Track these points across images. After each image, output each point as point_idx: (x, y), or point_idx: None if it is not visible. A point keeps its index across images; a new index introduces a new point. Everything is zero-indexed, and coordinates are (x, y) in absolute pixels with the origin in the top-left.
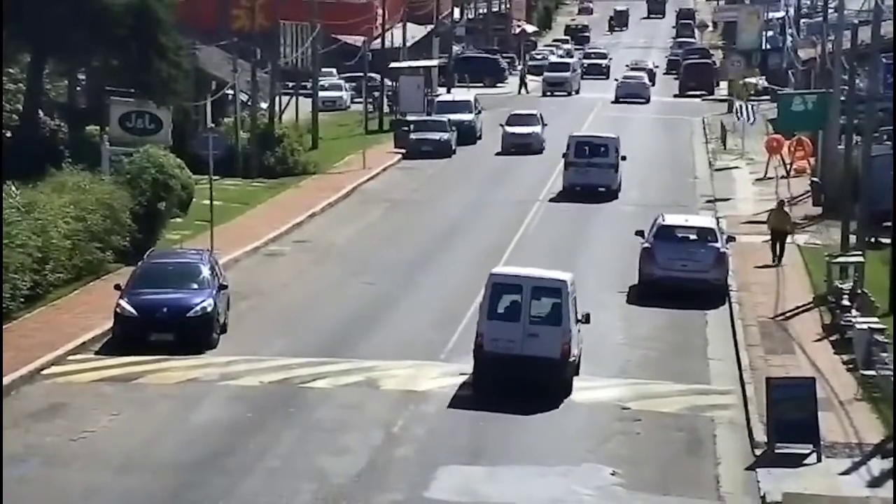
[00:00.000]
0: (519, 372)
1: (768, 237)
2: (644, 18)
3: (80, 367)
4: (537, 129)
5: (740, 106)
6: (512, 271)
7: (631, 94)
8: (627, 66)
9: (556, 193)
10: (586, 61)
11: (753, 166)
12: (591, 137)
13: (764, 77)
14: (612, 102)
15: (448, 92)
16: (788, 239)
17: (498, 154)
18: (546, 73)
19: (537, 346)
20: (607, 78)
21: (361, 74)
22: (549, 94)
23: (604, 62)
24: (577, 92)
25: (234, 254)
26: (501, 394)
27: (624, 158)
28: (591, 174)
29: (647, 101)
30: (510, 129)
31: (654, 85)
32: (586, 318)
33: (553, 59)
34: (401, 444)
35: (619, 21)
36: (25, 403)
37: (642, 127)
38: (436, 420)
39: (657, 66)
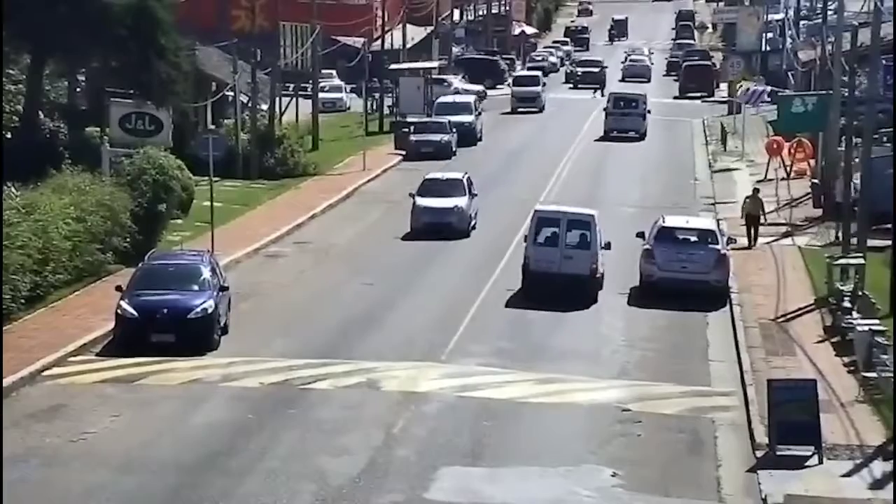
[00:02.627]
0: (557, 285)
1: (743, 223)
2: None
3: (80, 369)
4: (462, 201)
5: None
6: (552, 208)
7: (636, 74)
8: (626, 52)
9: (556, 195)
10: (580, 69)
11: (754, 168)
12: (624, 94)
13: (763, 79)
14: (620, 81)
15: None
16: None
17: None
18: (514, 88)
19: (571, 265)
20: (603, 87)
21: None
22: (519, 110)
23: (599, 70)
24: (543, 109)
25: (234, 255)
26: (543, 301)
27: (650, 111)
28: (625, 121)
29: (649, 80)
30: (422, 203)
31: (653, 66)
32: (607, 246)
33: (520, 71)
34: (401, 444)
35: (618, 30)
36: (26, 404)
37: None
38: (436, 421)
39: (652, 52)
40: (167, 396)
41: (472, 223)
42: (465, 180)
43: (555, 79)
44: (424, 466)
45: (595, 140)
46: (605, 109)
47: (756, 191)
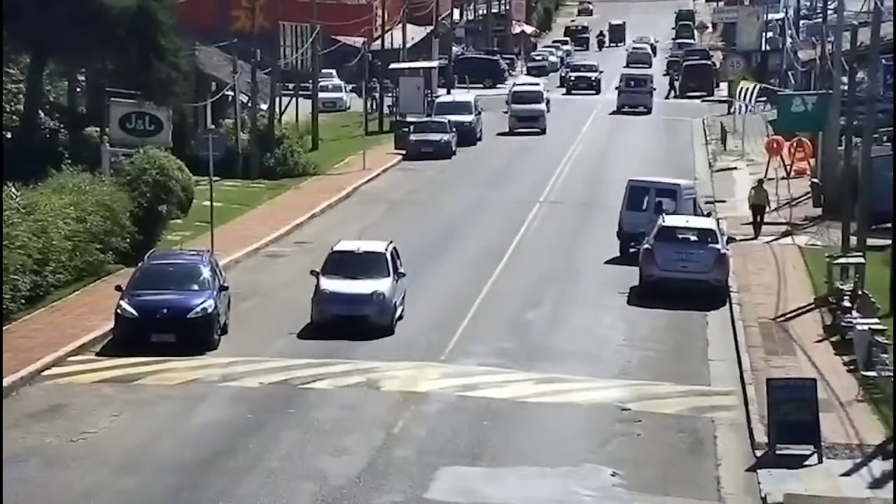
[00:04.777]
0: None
1: (749, 216)
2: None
3: (80, 368)
4: (383, 284)
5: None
6: (643, 178)
7: (638, 60)
8: (634, 40)
9: (556, 195)
10: (573, 74)
11: (753, 167)
12: (634, 74)
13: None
14: (624, 67)
15: (448, 93)
16: (772, 225)
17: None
18: (513, 106)
19: None
20: (598, 93)
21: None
22: (517, 131)
23: (593, 75)
24: (546, 130)
25: (234, 255)
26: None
27: (655, 89)
28: (635, 98)
29: (650, 66)
30: (329, 286)
31: (655, 56)
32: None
33: (520, 86)
34: (401, 444)
35: (613, 36)
36: (26, 404)
37: (642, 128)
38: (436, 421)
39: (658, 41)
40: (167, 396)
41: (398, 313)
42: (388, 254)
43: (555, 78)
44: (424, 466)
45: (595, 140)
46: (617, 88)
47: (761, 182)
